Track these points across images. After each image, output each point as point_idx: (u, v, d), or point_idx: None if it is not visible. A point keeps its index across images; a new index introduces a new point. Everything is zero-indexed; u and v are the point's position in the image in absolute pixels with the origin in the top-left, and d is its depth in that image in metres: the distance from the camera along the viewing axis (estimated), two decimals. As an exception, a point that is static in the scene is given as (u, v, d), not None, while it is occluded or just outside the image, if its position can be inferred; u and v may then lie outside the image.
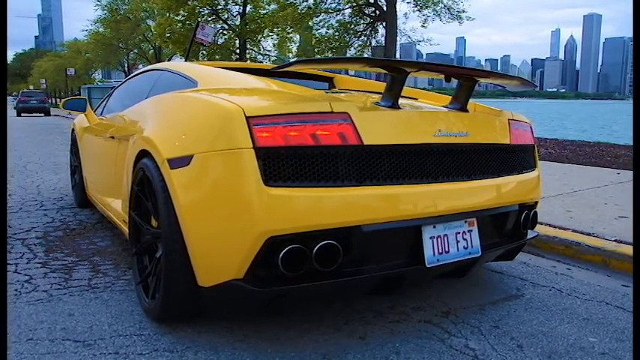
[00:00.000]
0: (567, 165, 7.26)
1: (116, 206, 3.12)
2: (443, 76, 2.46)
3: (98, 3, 34.72)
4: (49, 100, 35.59)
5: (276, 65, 5.18)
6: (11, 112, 28.98)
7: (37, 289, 2.66)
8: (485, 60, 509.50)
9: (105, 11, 35.11)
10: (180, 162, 2.05)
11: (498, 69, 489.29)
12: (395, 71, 2.18)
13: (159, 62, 31.59)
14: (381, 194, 1.98)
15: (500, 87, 2.92)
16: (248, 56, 22.62)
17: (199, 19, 19.43)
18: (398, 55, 15.69)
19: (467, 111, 2.46)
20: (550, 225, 3.76)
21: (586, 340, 2.21)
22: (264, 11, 21.96)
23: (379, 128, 2.02)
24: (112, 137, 3.28)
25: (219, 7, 22.14)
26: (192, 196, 2.01)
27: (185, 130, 2.17)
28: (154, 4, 24.79)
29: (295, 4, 17.86)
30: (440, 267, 2.15)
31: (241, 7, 22.19)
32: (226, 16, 22.56)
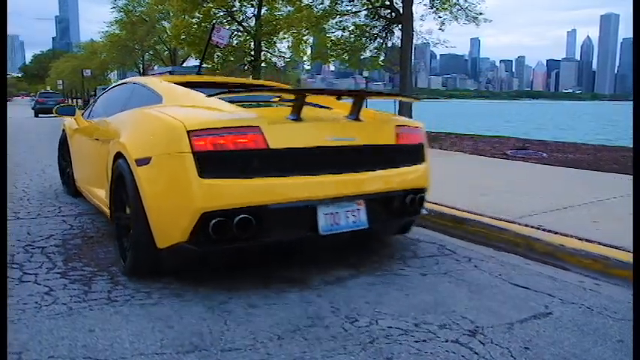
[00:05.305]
0: (589, 172, 7.07)
1: (100, 194, 3.92)
2: (334, 97, 3.56)
3: (114, 5, 35.01)
4: (66, 101, 35.95)
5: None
6: (29, 113, 29.34)
7: (57, 301, 2.64)
8: (500, 61, 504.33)
9: (121, 13, 35.38)
10: (144, 161, 2.83)
11: (513, 70, 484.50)
12: (295, 95, 3.01)
13: (174, 63, 31.39)
14: (282, 183, 2.76)
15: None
16: (263, 58, 22.59)
17: (214, 21, 19.47)
18: (412, 57, 15.46)
19: (359, 120, 3.21)
20: (576, 237, 3.66)
21: (622, 365, 2.12)
22: (279, 13, 21.91)
23: (282, 136, 2.79)
24: (97, 139, 4.08)
25: (235, 8, 22.16)
26: (152, 185, 2.80)
27: (147, 138, 3.00)
28: (169, 6, 24.90)
29: (311, 6, 17.79)
30: (333, 235, 2.91)
31: (256, 9, 22.18)
32: (241, 18, 22.57)
